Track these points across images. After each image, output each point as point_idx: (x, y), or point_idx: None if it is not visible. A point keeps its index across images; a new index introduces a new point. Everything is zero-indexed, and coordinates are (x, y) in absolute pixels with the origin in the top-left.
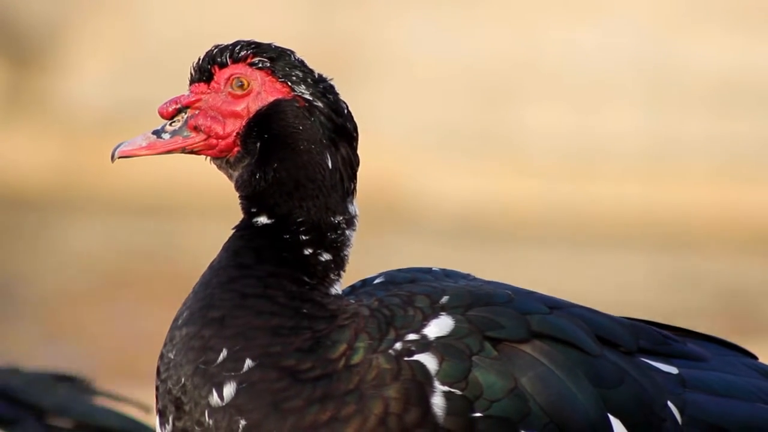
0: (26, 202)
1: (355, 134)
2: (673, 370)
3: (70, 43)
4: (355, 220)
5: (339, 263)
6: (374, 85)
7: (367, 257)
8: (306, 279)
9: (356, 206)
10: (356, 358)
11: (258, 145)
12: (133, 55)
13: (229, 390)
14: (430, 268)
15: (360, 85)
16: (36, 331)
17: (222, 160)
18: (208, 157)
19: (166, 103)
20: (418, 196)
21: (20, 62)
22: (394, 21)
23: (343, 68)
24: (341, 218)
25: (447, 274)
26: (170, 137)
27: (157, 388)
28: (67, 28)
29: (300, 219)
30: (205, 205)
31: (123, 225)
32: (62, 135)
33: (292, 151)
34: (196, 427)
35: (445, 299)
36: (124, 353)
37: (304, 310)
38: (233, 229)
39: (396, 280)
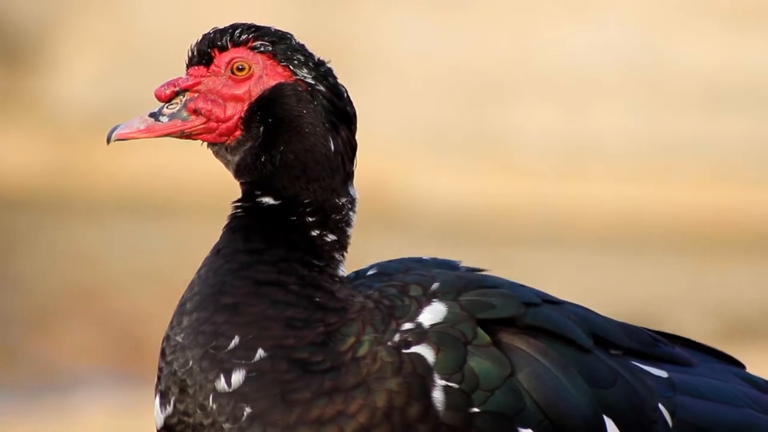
0: (16, 201)
1: (354, 118)
2: (663, 373)
3: (60, 43)
4: (356, 202)
5: (343, 243)
6: (364, 84)
7: (356, 256)
8: (315, 261)
9: (356, 189)
10: (362, 351)
11: (261, 129)
12: (123, 54)
13: (237, 377)
14: (421, 258)
15: (350, 85)
16: (28, 329)
17: (220, 145)
18: (205, 142)
19: (163, 85)
20: (408, 196)
21: (9, 62)
22: (384, 20)
23: (334, 67)
24: (345, 200)
25: (438, 263)
26: (169, 120)
27: (160, 369)
28: (56, 28)
29: (306, 200)
30: (196, 204)
31: (114, 224)
32: (52, 135)
33: (298, 134)
34: (198, 411)
35: (436, 285)
36: (116, 353)
37: (317, 299)
38: (233, 205)
39: (388, 270)
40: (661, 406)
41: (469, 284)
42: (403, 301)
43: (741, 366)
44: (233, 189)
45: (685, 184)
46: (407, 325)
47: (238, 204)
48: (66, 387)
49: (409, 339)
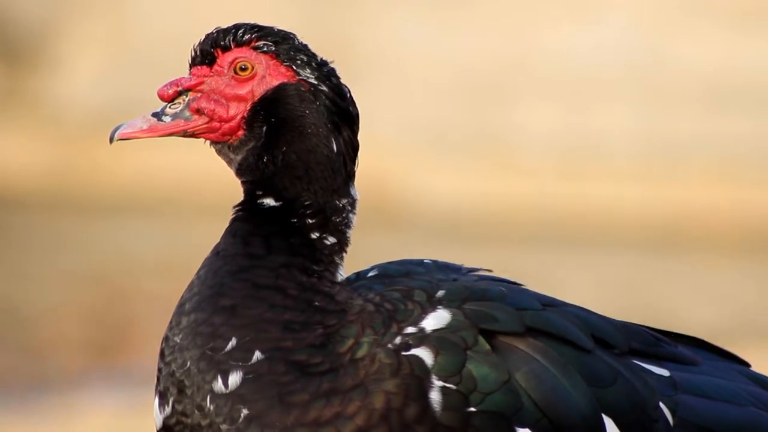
0: (18, 201)
1: (356, 118)
2: (665, 372)
3: (61, 43)
4: (357, 203)
5: (343, 245)
6: (366, 84)
7: (357, 256)
8: (314, 267)
9: (356, 190)
10: (360, 352)
11: (264, 128)
12: (124, 54)
13: (234, 378)
14: (422, 261)
15: (351, 85)
16: (29, 328)
17: (223, 144)
18: (208, 141)
19: (165, 85)
20: (409, 195)
21: (11, 62)
22: (386, 21)
23: (336, 67)
24: (345, 201)
25: (439, 266)
26: (171, 120)
27: (159, 370)
28: (58, 28)
29: (307, 202)
30: (198, 203)
31: (114, 223)
32: (54, 134)
33: (300, 134)
34: (196, 411)
35: (441, 293)
36: (118, 352)
37: (316, 303)
38: (234, 208)
39: (389, 272)
40: (662, 405)
41: (473, 294)
42: (406, 306)
43: (745, 364)
44: (235, 188)
45: (686, 183)
46: (410, 329)
47: (240, 206)
48: (66, 387)
49: (410, 342)
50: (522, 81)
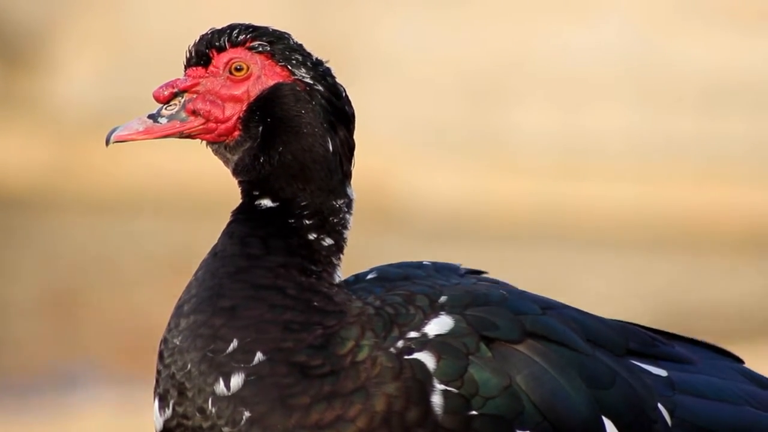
0: (15, 201)
1: (352, 118)
2: (663, 372)
3: (59, 43)
4: (353, 204)
5: (340, 246)
6: (364, 84)
7: (355, 255)
8: (312, 267)
9: (353, 190)
10: (361, 355)
11: (260, 129)
12: (122, 54)
13: (236, 380)
14: (421, 262)
15: (349, 85)
16: (27, 328)
17: (220, 144)
18: (205, 142)
19: (161, 86)
20: (408, 195)
21: (9, 63)
22: (384, 20)
23: (332, 67)
24: (342, 201)
25: (437, 268)
26: (167, 121)
27: (159, 372)
28: (56, 28)
29: (304, 203)
30: (196, 204)
31: (113, 224)
32: (52, 135)
33: (296, 134)
34: (198, 414)
35: (443, 299)
36: (116, 352)
37: (315, 303)
38: (232, 213)
39: (389, 276)
40: (660, 406)
41: (476, 299)
42: (408, 310)
43: (740, 362)
44: (232, 188)
45: (685, 183)
46: (412, 334)
47: (236, 211)
48: (66, 386)
49: (412, 346)
50: (521, 81)
